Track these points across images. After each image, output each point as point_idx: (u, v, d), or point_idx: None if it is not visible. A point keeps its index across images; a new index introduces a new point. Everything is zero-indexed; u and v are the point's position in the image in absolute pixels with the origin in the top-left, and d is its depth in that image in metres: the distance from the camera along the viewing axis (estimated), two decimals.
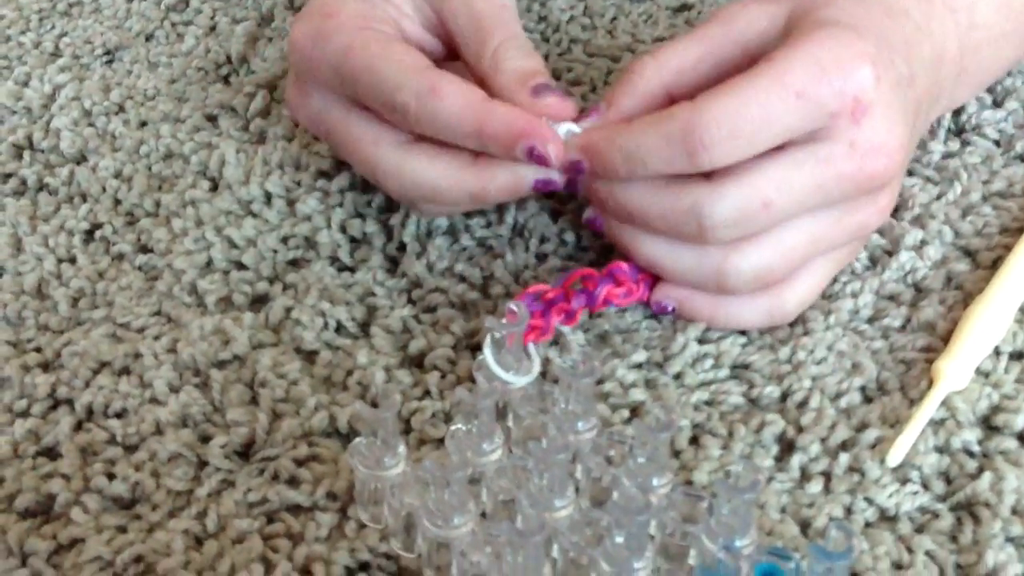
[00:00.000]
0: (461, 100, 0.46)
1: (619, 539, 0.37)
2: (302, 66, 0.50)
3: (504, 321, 0.43)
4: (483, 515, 0.41)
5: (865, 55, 0.43)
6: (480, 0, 0.50)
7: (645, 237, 0.46)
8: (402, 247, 0.52)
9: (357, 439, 0.41)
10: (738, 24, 0.46)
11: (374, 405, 0.43)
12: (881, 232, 0.51)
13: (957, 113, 0.56)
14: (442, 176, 0.47)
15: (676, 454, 0.44)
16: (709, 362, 0.47)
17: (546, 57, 0.62)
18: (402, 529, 0.41)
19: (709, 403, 0.45)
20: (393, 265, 0.52)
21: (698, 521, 0.39)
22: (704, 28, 0.47)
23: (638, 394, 0.45)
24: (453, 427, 0.41)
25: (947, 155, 0.55)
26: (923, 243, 0.50)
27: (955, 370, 0.45)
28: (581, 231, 0.52)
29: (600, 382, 0.46)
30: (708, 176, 0.44)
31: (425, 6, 0.51)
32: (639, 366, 0.47)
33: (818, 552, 0.35)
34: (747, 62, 0.44)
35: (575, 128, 0.46)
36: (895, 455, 0.43)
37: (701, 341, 0.47)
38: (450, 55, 0.52)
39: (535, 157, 0.46)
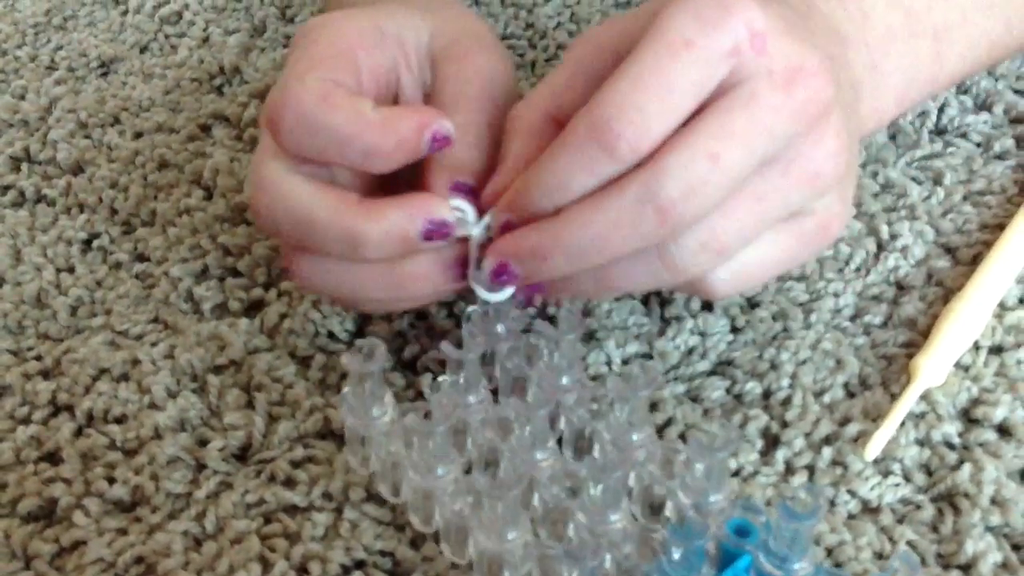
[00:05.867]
0: (352, 114, 0.42)
1: (596, 491, 0.38)
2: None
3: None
4: (468, 470, 0.43)
5: None
6: (470, 73, 0.47)
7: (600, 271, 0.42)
8: None
9: (346, 389, 0.43)
10: (601, 34, 0.44)
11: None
12: (868, 232, 0.52)
13: (940, 115, 0.57)
14: (322, 205, 0.43)
15: None
16: (696, 356, 0.48)
17: (532, 64, 0.63)
18: (389, 476, 0.43)
19: (693, 399, 0.47)
20: None
21: (676, 475, 0.40)
22: (568, 51, 0.45)
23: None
24: (439, 378, 0.42)
25: (931, 156, 0.56)
26: (906, 243, 0.52)
27: (932, 367, 0.46)
28: None
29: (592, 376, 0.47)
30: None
31: (426, 65, 0.48)
32: (626, 361, 0.48)
33: (786, 512, 0.36)
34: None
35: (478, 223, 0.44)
36: (872, 449, 0.43)
37: (691, 332, 0.49)
38: None
39: (438, 141, 0.43)
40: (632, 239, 0.40)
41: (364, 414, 0.43)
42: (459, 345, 0.44)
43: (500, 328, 0.44)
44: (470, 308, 0.45)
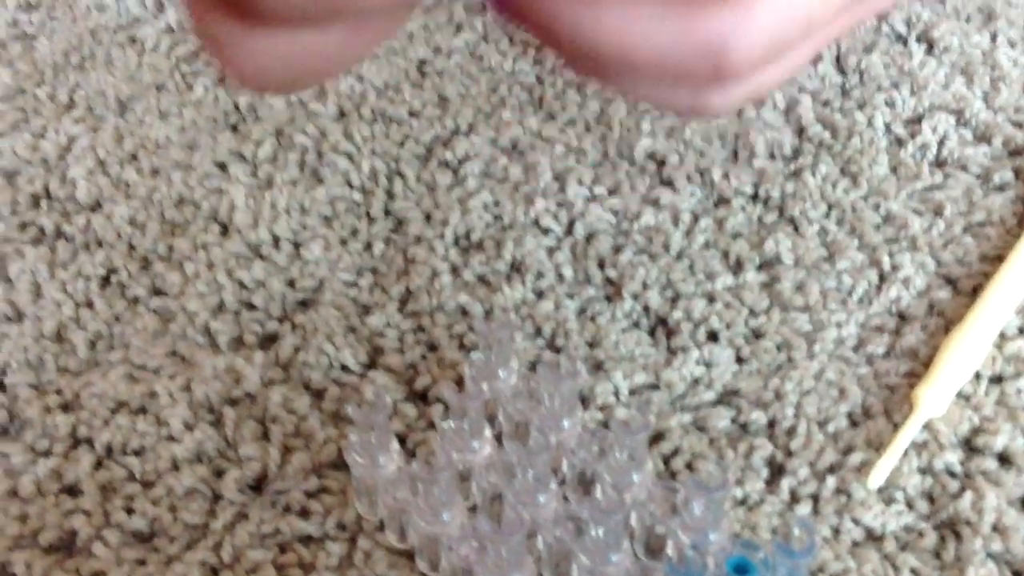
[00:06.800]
0: None
1: (597, 532, 0.39)
2: None
3: None
4: (474, 508, 0.44)
5: None
6: None
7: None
8: (407, 289, 0.54)
9: (352, 436, 0.43)
10: None
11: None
12: (870, 263, 0.53)
13: (940, 147, 0.58)
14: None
15: (672, 475, 0.46)
16: (701, 386, 0.49)
17: (540, 100, 0.64)
18: (396, 522, 0.44)
19: (699, 428, 0.47)
20: (401, 304, 0.54)
21: (676, 514, 0.41)
22: None
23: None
24: (444, 423, 0.43)
25: (931, 188, 0.57)
26: (907, 275, 0.52)
27: (934, 396, 0.46)
28: (577, 267, 0.54)
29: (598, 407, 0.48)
30: None
31: None
32: (633, 392, 0.49)
33: (783, 551, 0.37)
34: None
35: None
36: (876, 478, 0.44)
37: (697, 363, 0.49)
38: None
39: None
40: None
41: (370, 463, 0.44)
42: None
43: (503, 373, 0.45)
44: (473, 354, 0.46)
